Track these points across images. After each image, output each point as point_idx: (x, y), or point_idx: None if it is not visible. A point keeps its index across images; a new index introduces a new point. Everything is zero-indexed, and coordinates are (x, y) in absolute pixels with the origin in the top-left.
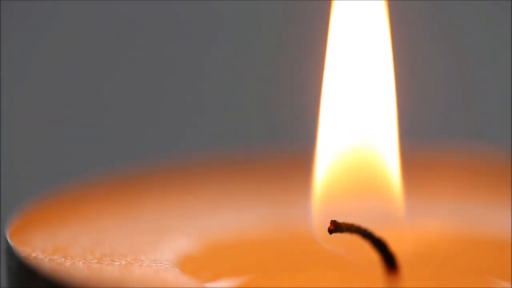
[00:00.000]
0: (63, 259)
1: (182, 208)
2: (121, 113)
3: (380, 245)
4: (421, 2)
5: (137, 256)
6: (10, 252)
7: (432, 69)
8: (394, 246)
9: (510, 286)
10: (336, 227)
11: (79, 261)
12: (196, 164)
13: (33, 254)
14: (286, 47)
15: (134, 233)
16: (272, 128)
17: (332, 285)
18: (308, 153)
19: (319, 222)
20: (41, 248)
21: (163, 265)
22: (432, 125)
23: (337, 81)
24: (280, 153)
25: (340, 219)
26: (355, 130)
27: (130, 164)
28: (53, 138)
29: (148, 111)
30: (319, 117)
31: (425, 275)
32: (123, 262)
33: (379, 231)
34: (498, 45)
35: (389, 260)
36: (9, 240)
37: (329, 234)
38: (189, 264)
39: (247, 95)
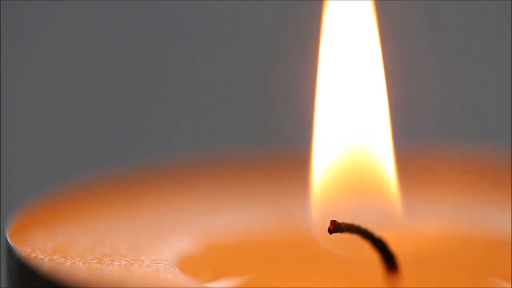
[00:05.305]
0: (63, 259)
1: (182, 208)
2: (121, 113)
3: (380, 245)
4: (411, 2)
5: (137, 256)
6: (10, 252)
7: (432, 68)
8: (394, 246)
9: (510, 286)
10: (336, 227)
11: (79, 261)
12: (196, 164)
13: (33, 254)
14: (281, 48)
15: (134, 233)
16: (272, 128)
17: (332, 285)
18: (308, 153)
19: (319, 222)
20: (41, 248)
21: (163, 265)
22: (432, 125)
23: (332, 83)
24: (280, 153)
25: (340, 219)
26: (353, 130)
27: (130, 164)
28: (52, 138)
29: (148, 111)
30: (316, 118)
31: (425, 275)
32: (123, 262)
33: (379, 231)
34: (498, 44)
35: (389, 260)
36: (9, 240)
37: (329, 234)
38: (189, 264)
39: (247, 95)
